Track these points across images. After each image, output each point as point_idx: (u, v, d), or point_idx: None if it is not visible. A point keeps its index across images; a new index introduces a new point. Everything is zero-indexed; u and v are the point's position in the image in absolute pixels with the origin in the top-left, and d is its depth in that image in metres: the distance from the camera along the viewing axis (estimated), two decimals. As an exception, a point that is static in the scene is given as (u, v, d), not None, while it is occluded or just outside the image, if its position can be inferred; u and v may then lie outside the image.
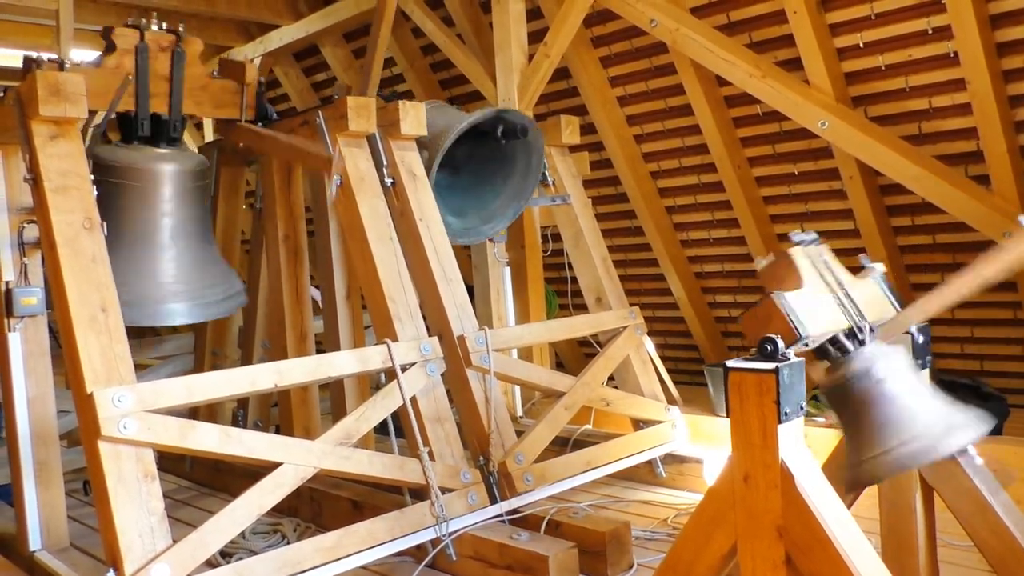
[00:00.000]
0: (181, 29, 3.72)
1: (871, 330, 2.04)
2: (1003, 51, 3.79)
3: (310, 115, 3.66)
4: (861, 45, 4.15)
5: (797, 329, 1.86)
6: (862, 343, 2.01)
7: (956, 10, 3.72)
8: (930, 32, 3.94)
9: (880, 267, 2.21)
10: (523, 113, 4.33)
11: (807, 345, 1.94)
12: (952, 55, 3.92)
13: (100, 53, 3.58)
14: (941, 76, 4.02)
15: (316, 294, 4.17)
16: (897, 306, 2.18)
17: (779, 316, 1.87)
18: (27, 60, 3.13)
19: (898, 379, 1.96)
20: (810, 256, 2.10)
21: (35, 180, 2.83)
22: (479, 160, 4.28)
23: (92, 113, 3.40)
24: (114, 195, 3.53)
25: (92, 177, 2.93)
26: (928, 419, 1.92)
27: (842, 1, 4.09)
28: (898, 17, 4.00)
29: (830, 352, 2.04)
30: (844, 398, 2.00)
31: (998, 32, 3.76)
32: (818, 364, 2.06)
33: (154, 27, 3.65)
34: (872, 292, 2.17)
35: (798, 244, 2.10)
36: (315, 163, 3.63)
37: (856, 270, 2.18)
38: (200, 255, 3.87)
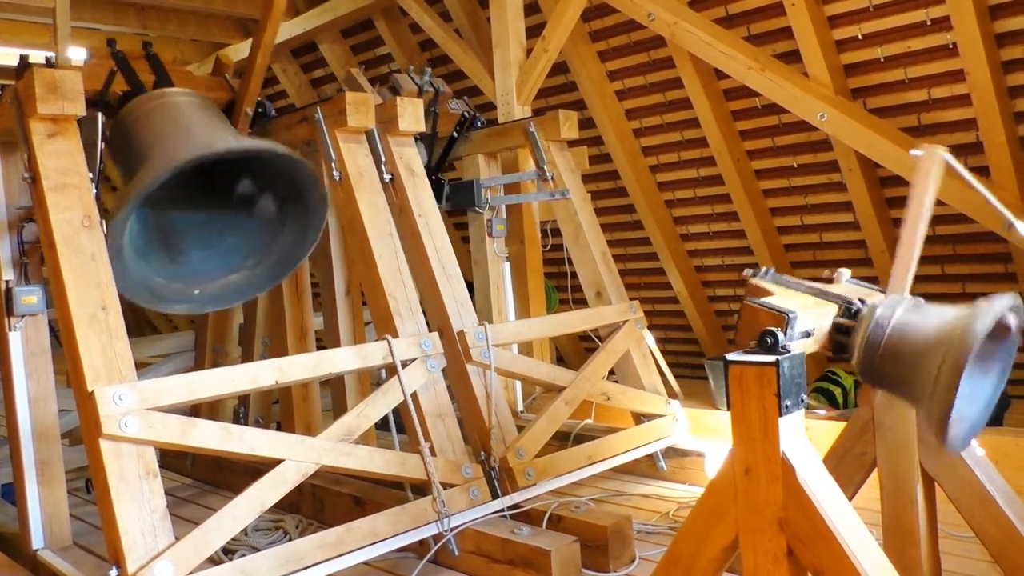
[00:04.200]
0: (147, 43, 3.86)
1: (863, 301, 2.05)
2: (1002, 41, 3.79)
3: (309, 111, 3.66)
4: (860, 37, 4.14)
5: (783, 311, 1.87)
6: (857, 312, 2.02)
7: (955, 1, 3.71)
8: (929, 23, 3.94)
9: (847, 271, 2.24)
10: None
11: (808, 334, 1.95)
12: (951, 46, 3.92)
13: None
14: (940, 67, 4.02)
15: None
16: (878, 289, 2.20)
17: (762, 312, 1.89)
18: (22, 59, 3.13)
19: (906, 312, 1.95)
20: (776, 281, 2.14)
21: (33, 179, 2.82)
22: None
23: (91, 104, 3.40)
24: (140, 121, 3.43)
25: (98, 171, 2.93)
26: (951, 322, 1.86)
27: (840, -7, 4.09)
28: (896, 8, 3.99)
29: (840, 340, 2.04)
30: (877, 362, 1.95)
31: (997, 23, 3.75)
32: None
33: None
34: (848, 288, 2.20)
35: (754, 277, 2.14)
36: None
37: (827, 281, 2.22)
38: (238, 136, 3.50)
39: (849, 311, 2.04)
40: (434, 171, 4.52)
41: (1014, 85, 3.86)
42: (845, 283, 2.23)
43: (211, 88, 3.96)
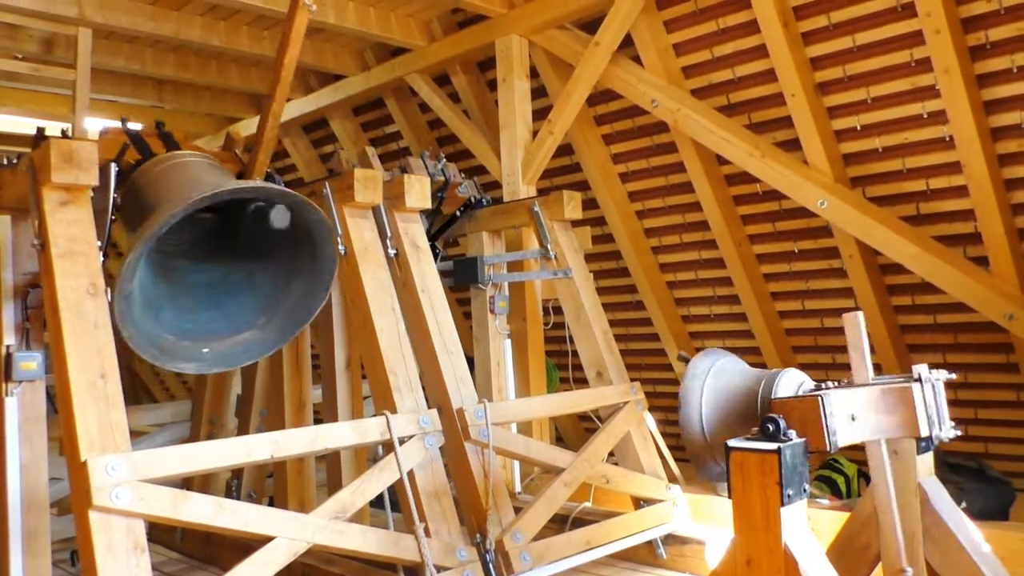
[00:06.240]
0: (160, 122, 3.85)
1: None
2: (998, 136, 3.87)
3: (317, 186, 3.72)
4: (859, 128, 4.24)
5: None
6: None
7: (950, 96, 3.81)
8: (926, 116, 4.03)
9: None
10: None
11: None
12: (948, 139, 4.00)
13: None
14: (938, 159, 4.09)
15: None
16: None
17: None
18: (39, 132, 3.21)
19: None
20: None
21: (43, 245, 2.86)
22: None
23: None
24: (150, 181, 3.45)
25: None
26: None
27: (839, 85, 4.20)
28: (894, 101, 4.10)
29: None
30: None
31: (992, 117, 3.85)
32: None
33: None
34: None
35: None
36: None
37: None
38: None
39: None
40: (432, 238, 4.57)
41: (1010, 178, 3.92)
42: None
43: (222, 161, 4.03)
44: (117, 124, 3.71)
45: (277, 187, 3.15)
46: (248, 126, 6.95)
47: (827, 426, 1.92)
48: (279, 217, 3.27)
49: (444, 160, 4.60)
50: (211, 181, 3.30)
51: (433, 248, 4.43)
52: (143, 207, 3.36)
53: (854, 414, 2.03)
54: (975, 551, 2.08)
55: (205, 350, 3.35)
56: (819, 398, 1.94)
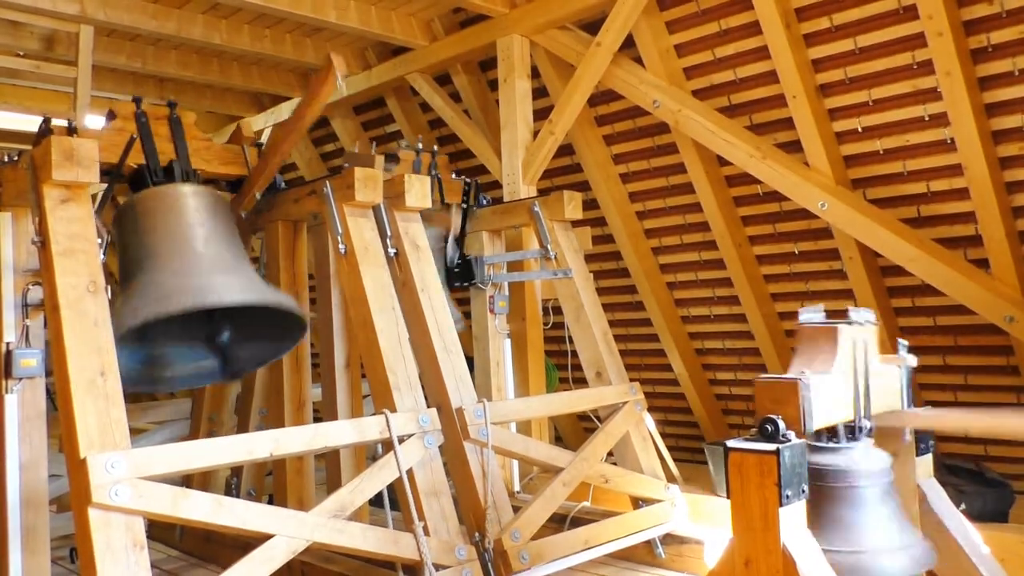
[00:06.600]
0: (173, 100, 3.92)
1: (868, 430, 2.07)
2: (999, 138, 3.87)
3: (318, 184, 3.72)
4: (860, 129, 4.24)
5: (806, 422, 1.88)
6: (855, 438, 2.04)
7: (952, 98, 3.81)
8: (927, 119, 4.03)
9: (912, 360, 2.27)
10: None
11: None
12: (949, 141, 4.00)
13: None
14: (939, 161, 4.09)
15: None
16: (905, 402, 2.21)
17: (795, 402, 1.90)
18: (44, 124, 3.20)
19: (870, 487, 2.01)
20: (854, 338, 2.17)
21: (43, 243, 2.86)
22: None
23: (105, 175, 3.46)
24: (145, 218, 3.52)
25: (105, 238, 2.98)
26: (878, 540, 1.94)
27: (841, 87, 4.20)
28: (895, 103, 4.10)
29: (821, 435, 2.06)
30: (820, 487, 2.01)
31: (993, 120, 3.85)
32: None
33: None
34: (890, 382, 2.20)
35: (852, 323, 2.18)
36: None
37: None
38: (238, 262, 3.57)
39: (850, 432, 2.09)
40: (458, 241, 4.60)
41: (1011, 181, 3.92)
42: (898, 369, 2.28)
43: (226, 160, 4.01)
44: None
45: (258, 300, 3.38)
46: (250, 124, 6.95)
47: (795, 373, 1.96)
48: (248, 362, 3.81)
49: (421, 137, 4.65)
50: (198, 270, 3.39)
51: (466, 260, 4.53)
52: (133, 246, 3.50)
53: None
54: (974, 553, 2.09)
55: (168, 373, 3.67)
56: (759, 379, 2.00)
